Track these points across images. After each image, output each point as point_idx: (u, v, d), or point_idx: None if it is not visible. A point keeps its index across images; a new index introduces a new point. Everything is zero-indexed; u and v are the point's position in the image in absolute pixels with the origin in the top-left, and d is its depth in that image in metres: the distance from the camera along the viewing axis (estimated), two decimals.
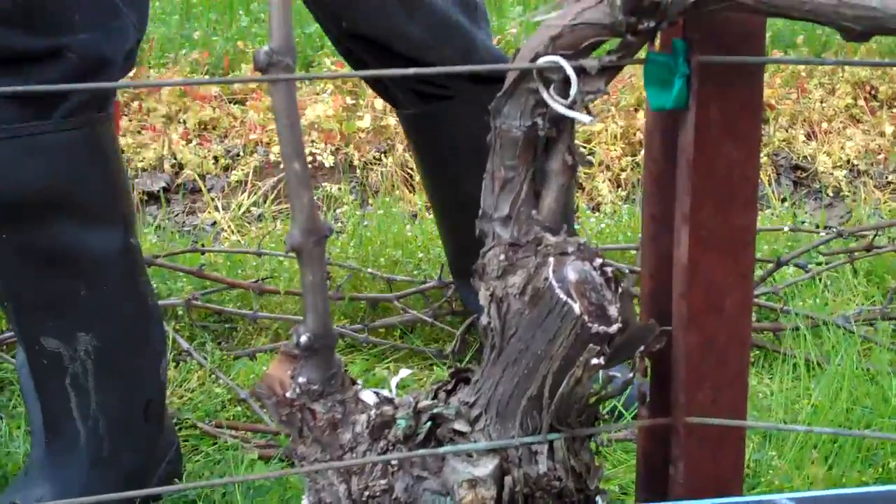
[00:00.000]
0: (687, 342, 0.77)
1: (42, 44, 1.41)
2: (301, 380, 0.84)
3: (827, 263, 2.64)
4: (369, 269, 2.59)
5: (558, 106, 0.74)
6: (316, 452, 0.85)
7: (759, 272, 2.62)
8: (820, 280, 2.65)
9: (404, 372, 0.88)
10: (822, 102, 4.34)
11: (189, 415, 2.07)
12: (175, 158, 3.97)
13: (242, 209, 3.41)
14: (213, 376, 2.20)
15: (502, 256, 0.75)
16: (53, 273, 1.51)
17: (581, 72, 0.70)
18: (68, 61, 1.42)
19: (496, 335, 0.76)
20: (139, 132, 4.10)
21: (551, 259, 0.73)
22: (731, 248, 0.76)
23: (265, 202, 3.44)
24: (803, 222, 3.20)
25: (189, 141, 4.12)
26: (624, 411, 1.79)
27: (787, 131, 4.08)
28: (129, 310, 1.58)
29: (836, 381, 2.05)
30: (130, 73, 4.30)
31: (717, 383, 0.79)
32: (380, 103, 4.26)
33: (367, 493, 0.83)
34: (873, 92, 4.45)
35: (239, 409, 2.12)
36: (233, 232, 3.21)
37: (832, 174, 3.85)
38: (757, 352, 2.32)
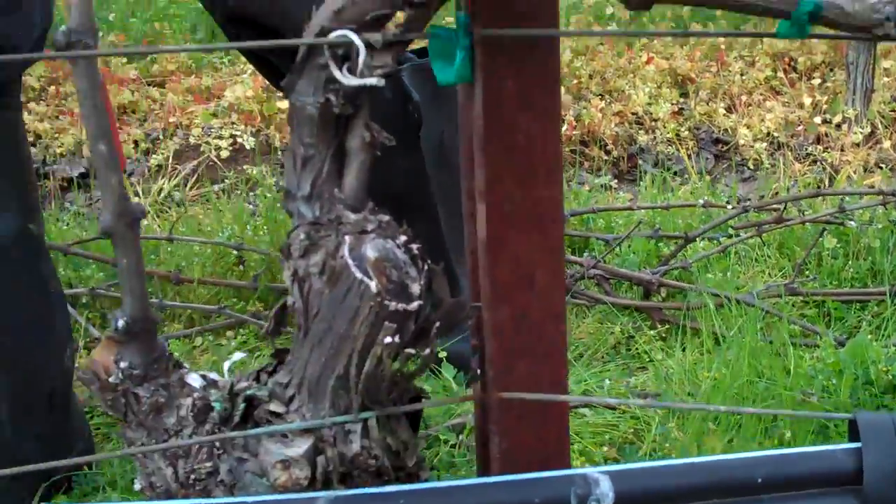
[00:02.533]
0: (496, 318, 0.78)
1: None
2: (123, 364, 0.83)
3: (736, 237, 2.66)
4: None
5: (348, 80, 0.73)
6: (142, 436, 0.85)
7: (671, 248, 2.64)
8: (732, 254, 2.68)
9: (238, 355, 0.88)
10: (741, 75, 4.37)
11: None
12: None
13: (163, 194, 3.39)
14: None
15: (303, 235, 0.74)
16: None
17: (368, 46, 0.69)
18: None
19: (301, 315, 0.76)
20: (57, 117, 4.06)
21: (348, 238, 0.73)
22: (536, 222, 0.76)
23: (186, 186, 3.42)
24: (725, 198, 3.23)
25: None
26: None
27: (707, 104, 4.12)
28: (29, 296, 1.57)
29: (739, 354, 2.07)
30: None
31: (533, 358, 0.79)
32: None
33: (193, 476, 0.83)
34: (792, 63, 4.49)
35: None
36: (153, 218, 3.18)
37: (752, 147, 3.89)
38: (667, 326, 2.35)
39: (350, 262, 0.72)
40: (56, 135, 3.98)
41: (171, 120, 3.88)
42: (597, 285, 2.52)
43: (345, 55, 0.72)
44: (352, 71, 0.70)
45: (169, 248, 2.66)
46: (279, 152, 3.75)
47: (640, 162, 3.78)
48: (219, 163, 3.54)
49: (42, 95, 4.24)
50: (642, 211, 2.82)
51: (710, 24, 4.66)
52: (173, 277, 2.46)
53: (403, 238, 0.75)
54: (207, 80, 4.02)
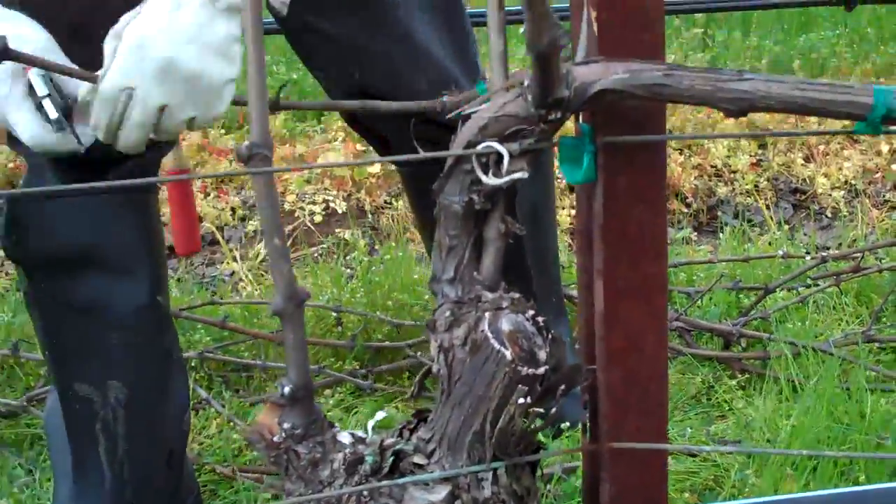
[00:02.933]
0: (609, 379, 0.90)
1: None
2: (286, 425, 0.97)
3: (815, 287, 2.75)
4: (378, 314, 2.72)
5: (494, 181, 0.87)
6: (300, 487, 0.98)
7: (751, 300, 2.74)
8: (811, 303, 2.76)
9: (380, 414, 1.01)
10: (819, 124, 4.44)
11: (208, 460, 2.20)
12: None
13: (259, 258, 3.55)
14: (231, 423, 2.33)
15: (448, 312, 0.88)
16: (85, 322, 1.65)
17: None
18: None
19: (445, 380, 0.89)
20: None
21: (488, 314, 0.86)
22: (644, 295, 0.89)
23: None
24: (804, 247, 3.31)
25: (207, 194, 4.25)
26: None
27: (785, 155, 4.20)
28: (154, 362, 1.72)
29: (816, 401, 2.16)
30: None
31: (640, 413, 0.92)
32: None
33: None
34: None
35: (255, 453, 2.25)
36: (250, 282, 3.33)
37: (830, 195, 3.96)
38: (747, 376, 2.45)
39: (489, 334, 0.85)
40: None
41: None
42: (678, 337, 2.62)
43: (485, 162, 0.85)
44: (495, 174, 0.84)
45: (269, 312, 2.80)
46: (370, 215, 3.90)
47: (719, 214, 3.87)
48: (313, 227, 3.69)
49: None
50: (723, 263, 2.93)
51: (787, 73, 4.76)
52: (277, 339, 2.61)
53: (531, 312, 0.88)
54: (301, 147, 4.19)
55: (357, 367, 2.55)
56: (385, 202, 3.99)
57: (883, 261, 2.95)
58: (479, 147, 0.86)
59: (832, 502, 0.86)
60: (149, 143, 1.44)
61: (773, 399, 2.28)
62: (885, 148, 4.22)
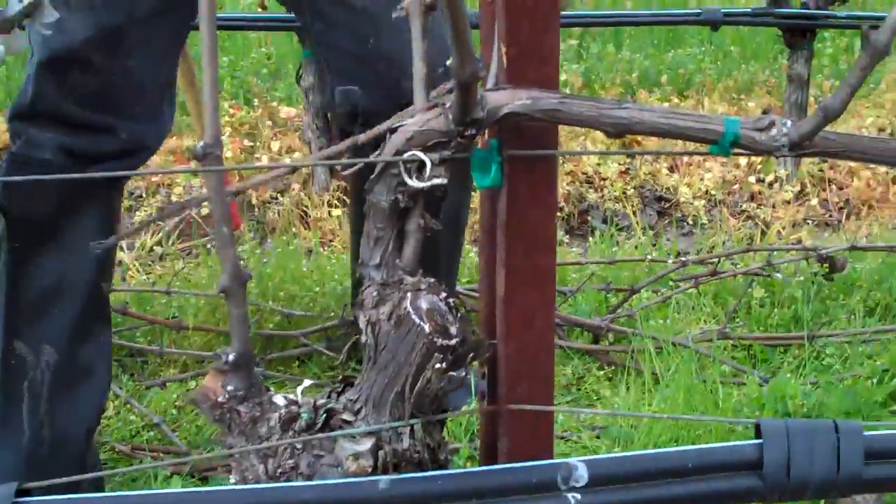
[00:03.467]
0: (506, 351, 1.09)
1: (104, 121, 1.79)
2: (229, 388, 1.14)
3: (676, 288, 3.01)
4: (270, 304, 2.87)
5: (417, 184, 1.05)
6: (241, 442, 1.15)
7: (618, 298, 2.97)
8: (673, 303, 3.01)
9: (307, 382, 1.18)
10: (683, 143, 4.72)
11: (107, 439, 2.33)
12: None
13: (147, 248, 3.65)
14: (128, 405, 2.47)
15: (375, 293, 1.06)
16: (41, 288, 1.83)
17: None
18: (119, 140, 1.81)
19: (371, 349, 1.06)
20: None
21: (409, 294, 1.04)
22: (536, 283, 1.08)
23: (169, 241, 3.69)
24: (667, 251, 3.57)
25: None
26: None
27: (651, 165, 4.47)
28: (88, 339, 1.89)
29: (675, 391, 2.40)
30: None
31: (530, 380, 1.11)
32: (276, 145, 4.52)
33: (279, 471, 1.13)
34: None
35: (152, 433, 2.39)
36: (138, 271, 3.44)
37: (692, 204, 4.24)
38: (613, 368, 2.68)
39: (411, 311, 1.03)
40: None
41: (153, 179, 4.13)
42: None
43: (409, 168, 1.03)
44: (418, 178, 1.02)
45: (163, 300, 2.94)
46: (256, 209, 4.04)
47: (589, 218, 4.11)
48: (199, 220, 3.80)
49: None
50: (593, 265, 3.16)
51: (656, 89, 5.04)
52: (174, 325, 2.75)
53: (444, 294, 1.06)
54: (188, 140, 4.30)
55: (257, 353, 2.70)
56: (271, 196, 4.13)
57: (738, 266, 3.22)
58: (406, 155, 1.03)
59: (687, 455, 1.07)
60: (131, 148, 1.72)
61: (637, 389, 2.51)
62: (742, 161, 4.52)
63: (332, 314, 2.83)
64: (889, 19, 0.95)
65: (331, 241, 3.91)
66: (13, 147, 1.82)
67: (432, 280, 1.07)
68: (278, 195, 4.11)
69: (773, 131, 1.01)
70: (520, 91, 1.02)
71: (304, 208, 4.11)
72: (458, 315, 1.07)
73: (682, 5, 6.20)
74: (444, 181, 1.02)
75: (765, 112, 0.98)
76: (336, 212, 4.05)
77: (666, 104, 4.97)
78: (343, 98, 2.00)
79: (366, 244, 1.08)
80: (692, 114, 1.04)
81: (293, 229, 3.93)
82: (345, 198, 4.13)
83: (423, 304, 1.04)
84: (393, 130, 1.06)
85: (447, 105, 1.02)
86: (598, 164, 4.39)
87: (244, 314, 1.12)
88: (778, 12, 4.19)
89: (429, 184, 1.03)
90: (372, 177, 1.06)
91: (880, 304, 2.99)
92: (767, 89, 5.12)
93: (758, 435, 1.06)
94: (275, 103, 4.82)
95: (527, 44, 1.04)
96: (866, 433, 1.07)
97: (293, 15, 2.23)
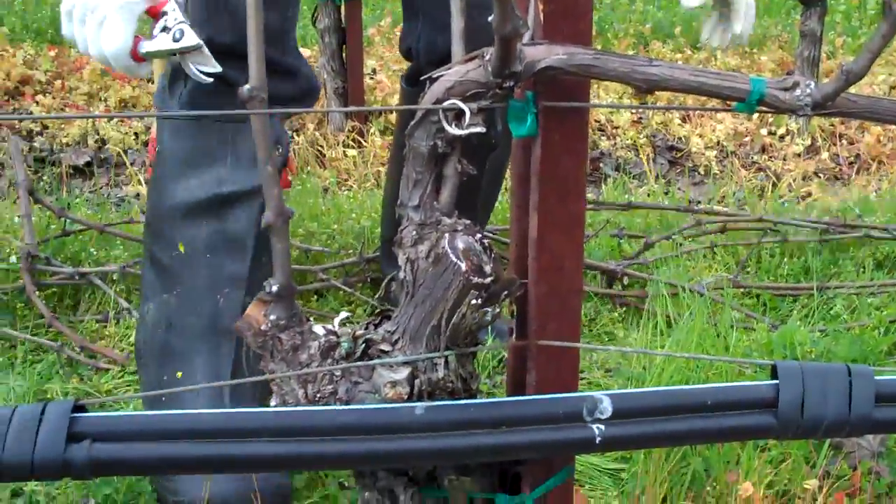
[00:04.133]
0: (538, 291, 1.16)
1: (289, 62, 1.92)
2: (272, 317, 1.21)
3: (687, 240, 3.08)
4: (290, 240, 2.94)
5: (456, 131, 1.11)
6: (282, 368, 1.22)
7: (631, 245, 3.04)
8: (686, 253, 3.08)
9: (343, 314, 1.25)
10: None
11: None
12: (98, 134, 4.24)
13: None
14: None
15: (414, 232, 1.12)
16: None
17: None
18: (299, 81, 1.94)
19: (409, 285, 1.13)
20: (63, 109, 4.37)
21: (447, 234, 1.10)
22: (567, 227, 1.14)
23: None
24: (678, 199, 3.63)
25: (111, 118, 4.38)
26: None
27: (663, 115, 4.51)
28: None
29: (687, 335, 2.47)
30: (52, 53, 4.59)
31: (559, 319, 1.18)
32: None
33: (318, 395, 1.20)
34: None
35: None
36: None
37: (704, 154, 4.29)
38: (626, 310, 2.75)
39: (448, 250, 1.10)
40: (62, 126, 4.28)
41: None
42: None
43: (448, 116, 1.09)
44: (457, 126, 1.08)
45: None
46: None
47: (601, 165, 4.17)
48: None
49: (48, 88, 4.54)
50: (606, 211, 3.22)
51: (669, 40, 5.07)
52: None
53: (479, 235, 1.13)
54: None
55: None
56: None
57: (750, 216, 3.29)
58: (446, 103, 1.10)
59: (707, 392, 1.14)
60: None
61: (650, 331, 2.58)
62: (755, 114, 4.56)
63: (351, 251, 2.90)
64: None
65: (346, 180, 3.97)
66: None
67: (468, 221, 1.14)
68: (293, 134, 4.17)
69: (798, 91, 1.07)
70: (555, 46, 1.07)
71: (320, 148, 4.16)
72: (492, 255, 1.13)
73: None
74: (483, 129, 1.08)
75: (789, 73, 1.03)
76: (351, 152, 4.11)
77: (679, 56, 5.00)
78: (429, 40, 2.09)
79: (405, 186, 1.14)
80: (720, 72, 1.10)
81: (309, 168, 3.99)
82: (359, 139, 4.18)
83: (460, 244, 1.10)
84: (434, 79, 1.12)
85: (486, 57, 1.08)
86: (611, 113, 4.44)
87: (286, 248, 1.19)
88: None
89: (467, 131, 1.09)
90: (412, 122, 1.12)
91: (889, 257, 3.05)
92: (780, 44, 5.15)
93: (773, 376, 1.13)
94: None
95: (562, 1, 1.09)
96: (877, 378, 1.14)
97: None
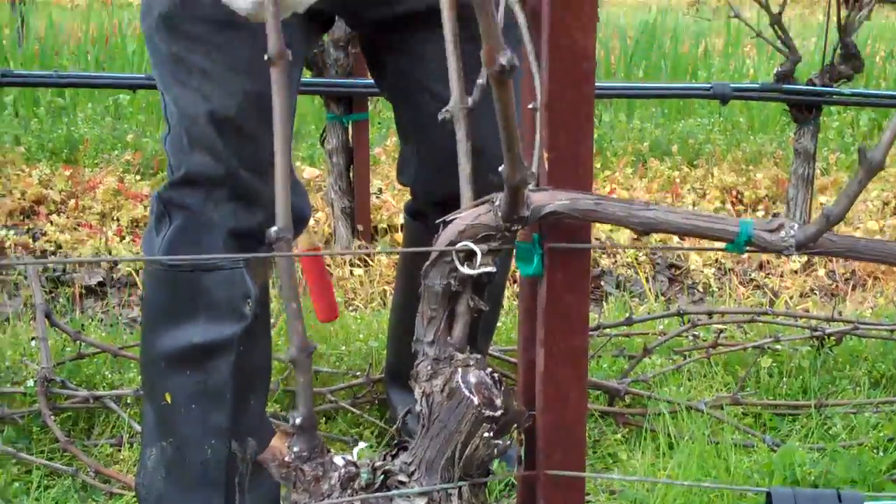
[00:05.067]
0: (544, 421, 1.23)
1: (267, 189, 1.92)
2: (295, 449, 1.27)
3: (685, 357, 3.15)
4: None
5: (468, 271, 1.19)
6: (305, 498, 1.28)
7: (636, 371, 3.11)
8: (686, 371, 3.14)
9: (361, 444, 1.32)
10: (694, 206, 4.88)
11: None
12: (110, 254, 4.33)
13: None
14: None
15: (429, 367, 1.19)
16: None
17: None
18: (271, 211, 2.00)
19: (425, 418, 1.20)
20: (76, 228, 4.47)
21: (460, 369, 1.18)
22: (571, 360, 1.22)
23: None
24: (680, 312, 3.69)
25: (123, 237, 4.47)
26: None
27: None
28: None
29: (689, 456, 2.52)
30: (67, 173, 4.71)
31: (565, 448, 1.24)
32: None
33: None
34: (739, 196, 5.01)
35: None
36: None
37: (702, 272, 4.37)
38: (629, 430, 2.80)
39: (462, 384, 1.17)
40: (75, 245, 4.37)
41: None
42: None
43: (461, 257, 1.18)
44: (469, 266, 1.16)
45: None
46: None
47: (602, 283, 4.25)
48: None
49: (62, 208, 4.65)
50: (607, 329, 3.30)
51: (666, 158, 5.20)
52: None
53: (489, 369, 1.20)
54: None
55: (278, 410, 2.83)
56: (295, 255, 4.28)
57: (748, 334, 3.36)
58: (459, 245, 1.18)
59: None
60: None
61: (652, 453, 2.63)
62: None
63: (358, 372, 2.97)
64: (883, 139, 1.09)
65: (352, 299, 4.05)
66: (176, 220, 1.94)
67: (479, 356, 1.21)
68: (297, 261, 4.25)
69: (782, 233, 1.15)
70: (559, 192, 1.16)
71: (327, 267, 4.25)
72: (503, 387, 1.20)
73: (692, 74, 6.39)
74: (493, 269, 1.16)
75: (774, 215, 1.12)
76: (357, 271, 4.19)
77: (676, 173, 5.12)
78: (428, 183, 2.15)
79: (420, 322, 1.22)
80: (710, 216, 1.18)
81: None
82: (365, 258, 4.27)
83: (472, 379, 1.18)
84: (447, 223, 1.20)
85: (496, 203, 1.16)
86: (611, 231, 4.53)
87: (309, 381, 1.26)
88: (786, 88, 4.36)
89: (479, 271, 1.17)
90: (427, 263, 1.20)
91: (885, 376, 3.12)
92: (775, 161, 5.28)
93: (768, 502, 1.19)
94: (297, 163, 4.99)
95: (565, 150, 1.18)
96: (867, 503, 1.21)
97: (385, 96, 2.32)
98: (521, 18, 1.16)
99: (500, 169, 1.09)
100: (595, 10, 1.15)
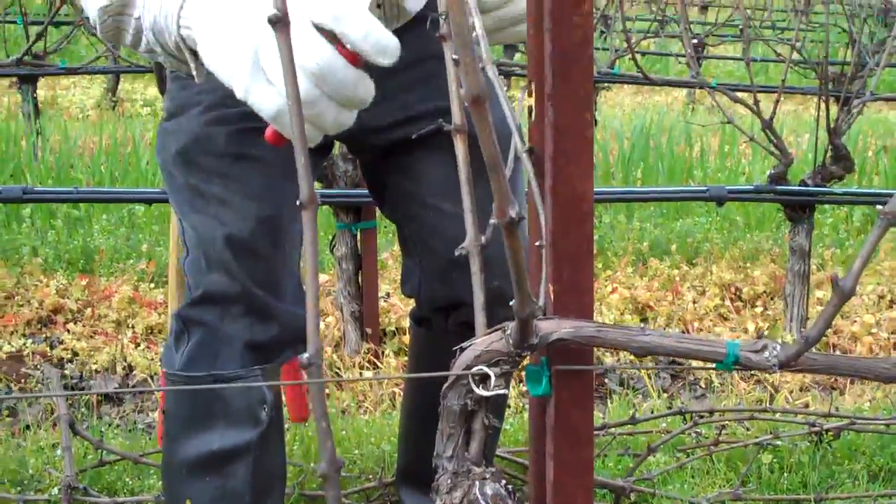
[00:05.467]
0: None
1: (283, 309, 2.07)
2: None
3: (689, 455, 3.26)
4: (312, 465, 3.12)
5: (483, 393, 1.32)
6: None
7: (634, 462, 3.21)
8: (689, 468, 3.25)
9: None
10: (694, 303, 5.01)
11: None
12: (125, 361, 4.45)
13: None
14: None
15: (448, 481, 1.32)
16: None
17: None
18: (294, 329, 2.10)
19: None
20: (92, 336, 4.59)
21: (477, 482, 1.30)
22: (578, 472, 1.34)
23: None
24: (682, 411, 3.80)
25: (138, 344, 4.59)
26: None
27: (664, 329, 4.73)
28: None
29: None
30: (83, 283, 4.85)
31: None
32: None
33: None
34: (738, 293, 5.14)
35: None
36: None
37: (704, 368, 4.48)
38: None
39: (479, 497, 1.29)
40: (92, 352, 4.50)
41: None
42: None
43: (477, 379, 1.30)
44: (484, 388, 1.29)
45: None
46: None
47: (606, 381, 4.36)
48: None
49: (79, 317, 4.78)
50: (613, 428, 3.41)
51: (665, 257, 5.34)
52: None
53: (504, 482, 1.32)
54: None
55: None
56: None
57: (749, 430, 3.47)
58: (474, 369, 1.31)
59: None
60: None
61: None
62: (751, 326, 4.79)
63: (371, 475, 3.07)
64: (854, 268, 1.22)
65: (362, 401, 4.16)
66: (195, 336, 2.07)
67: (494, 469, 1.33)
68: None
69: (766, 353, 1.28)
70: (564, 321, 1.29)
71: (337, 370, 4.36)
72: (517, 498, 1.32)
73: (688, 174, 6.56)
74: (506, 391, 1.29)
75: (759, 336, 1.24)
76: (367, 373, 4.30)
77: (675, 271, 5.25)
78: (431, 292, 2.27)
79: (440, 439, 1.34)
80: (701, 339, 1.31)
81: (327, 391, 4.18)
82: (374, 360, 4.39)
83: (489, 491, 1.30)
84: (463, 349, 1.33)
85: (507, 331, 1.30)
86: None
87: (338, 496, 1.37)
88: (779, 189, 4.52)
89: (493, 392, 1.30)
90: (445, 386, 1.33)
91: (883, 470, 3.22)
92: (772, 257, 5.42)
93: None
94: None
95: (567, 282, 1.32)
96: None
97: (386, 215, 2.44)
98: (528, 167, 1.30)
99: (511, 303, 1.23)
100: (591, 160, 1.29)
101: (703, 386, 4.41)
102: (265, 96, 1.37)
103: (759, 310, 4.97)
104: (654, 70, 12.34)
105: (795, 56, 5.43)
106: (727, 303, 5.03)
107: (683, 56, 6.95)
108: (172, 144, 2.08)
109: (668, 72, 12.28)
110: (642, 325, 1.23)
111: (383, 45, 1.35)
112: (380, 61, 1.34)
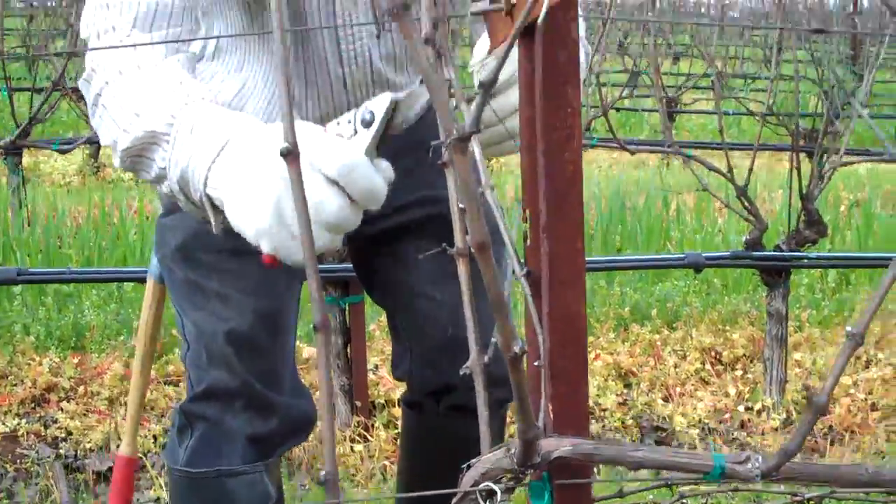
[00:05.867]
0: None
1: (284, 402, 2.15)
2: None
3: None
4: None
5: None
6: None
7: None
8: None
9: None
10: (675, 367, 5.11)
11: None
12: (119, 438, 4.51)
13: None
14: None
15: None
16: None
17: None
18: (296, 419, 2.19)
19: None
20: (85, 415, 4.65)
21: None
22: None
23: None
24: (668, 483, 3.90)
25: None
26: None
27: (647, 395, 4.83)
28: None
29: None
30: (75, 360, 4.92)
31: None
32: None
33: None
34: (718, 357, 5.25)
35: None
36: None
37: (687, 433, 4.58)
38: None
39: None
40: (85, 431, 4.56)
41: None
42: None
43: (483, 494, 1.41)
44: (490, 502, 1.39)
45: None
46: None
47: None
48: None
49: (72, 395, 4.84)
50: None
51: (646, 322, 5.45)
52: None
53: None
54: None
55: None
56: None
57: (734, 500, 3.57)
58: (481, 486, 1.41)
59: None
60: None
61: None
62: (732, 390, 4.89)
63: None
64: (826, 385, 1.34)
65: (353, 475, 4.23)
66: (198, 430, 2.15)
67: None
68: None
69: (749, 465, 1.39)
70: (564, 439, 1.40)
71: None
72: None
73: (665, 234, 6.70)
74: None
75: (742, 449, 1.35)
76: (357, 447, 4.37)
77: (657, 336, 5.36)
78: (422, 377, 2.36)
79: None
80: (690, 453, 1.42)
81: (319, 465, 4.26)
82: (365, 433, 4.47)
83: None
84: (470, 465, 1.43)
85: (512, 450, 1.40)
86: (598, 396, 4.75)
87: None
88: (755, 255, 4.64)
89: None
90: (454, 500, 1.43)
91: None
92: (750, 320, 5.54)
93: None
94: (297, 343, 5.20)
95: (564, 399, 1.42)
96: None
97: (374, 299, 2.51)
98: (527, 289, 1.41)
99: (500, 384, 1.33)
100: (584, 283, 1.41)
101: (687, 451, 4.50)
102: (291, 251, 1.50)
103: (738, 373, 5.08)
104: (630, 124, 12.55)
105: (767, 110, 5.56)
106: (707, 367, 5.14)
107: (657, 111, 7.08)
108: (171, 240, 2.17)
109: (643, 127, 12.47)
110: (628, 440, 1.31)
111: (378, 198, 1.50)
112: (371, 207, 1.48)
